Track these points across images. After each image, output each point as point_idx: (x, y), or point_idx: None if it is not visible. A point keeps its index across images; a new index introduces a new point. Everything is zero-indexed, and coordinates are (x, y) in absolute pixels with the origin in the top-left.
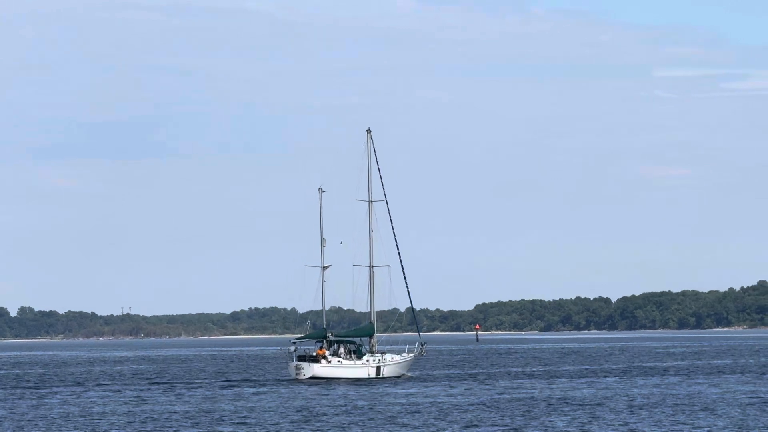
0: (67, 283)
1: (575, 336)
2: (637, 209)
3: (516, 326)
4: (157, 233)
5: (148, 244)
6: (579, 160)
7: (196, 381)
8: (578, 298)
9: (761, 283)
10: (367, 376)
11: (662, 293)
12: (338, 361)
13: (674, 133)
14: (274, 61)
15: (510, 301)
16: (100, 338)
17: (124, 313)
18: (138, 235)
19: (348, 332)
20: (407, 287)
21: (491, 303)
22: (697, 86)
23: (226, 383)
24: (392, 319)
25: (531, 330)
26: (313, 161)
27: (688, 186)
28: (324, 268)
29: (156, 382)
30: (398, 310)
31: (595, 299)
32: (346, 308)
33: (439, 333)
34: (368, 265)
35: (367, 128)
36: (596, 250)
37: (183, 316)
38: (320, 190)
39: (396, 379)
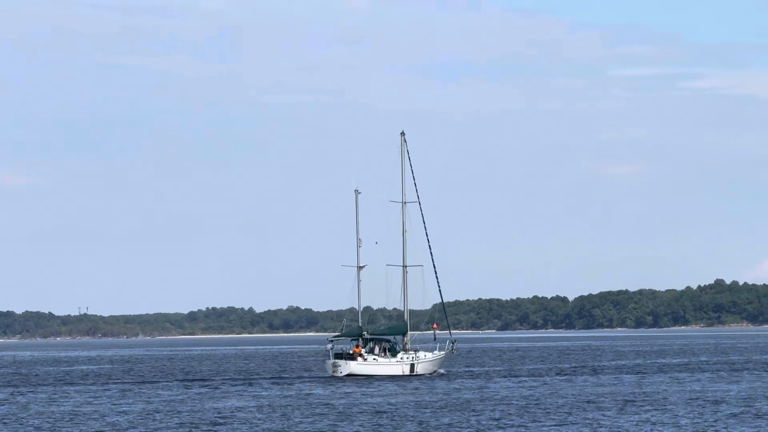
0: (23, 282)
1: (535, 335)
2: (594, 207)
3: (473, 325)
4: (113, 233)
5: (105, 243)
6: (535, 157)
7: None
8: (535, 297)
9: (718, 282)
10: (401, 373)
11: (619, 292)
12: (374, 359)
13: (630, 131)
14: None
15: (467, 300)
16: (58, 338)
17: (82, 313)
18: (95, 234)
19: (382, 330)
20: (439, 286)
21: (448, 302)
22: (653, 85)
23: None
24: (425, 316)
25: (488, 329)
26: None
27: (643, 184)
28: (360, 268)
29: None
30: (433, 306)
31: (552, 298)
32: (376, 308)
33: None
34: (402, 264)
35: (401, 131)
36: (553, 249)
37: (140, 316)
38: (356, 192)
39: (429, 376)
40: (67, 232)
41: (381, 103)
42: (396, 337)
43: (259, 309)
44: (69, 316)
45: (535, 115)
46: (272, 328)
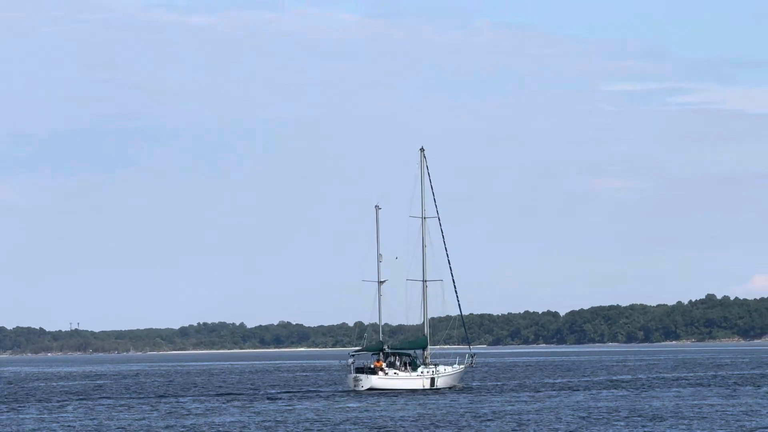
0: (14, 298)
1: (527, 350)
2: (585, 222)
3: (464, 340)
4: (104, 248)
5: (96, 258)
6: (526, 172)
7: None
8: (527, 312)
9: (709, 297)
10: (422, 387)
11: (610, 307)
12: (395, 373)
13: (619, 146)
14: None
15: (447, 315)
16: (49, 354)
17: (73, 328)
18: (86, 249)
19: (403, 345)
20: (458, 301)
21: (439, 317)
22: (642, 100)
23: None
24: (445, 330)
25: (480, 344)
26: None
27: (634, 199)
28: (380, 282)
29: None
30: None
31: (543, 313)
32: (395, 324)
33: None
34: (421, 279)
35: (421, 147)
36: (544, 264)
37: (131, 331)
38: (377, 207)
39: (449, 390)
40: (58, 248)
41: (375, 118)
42: (416, 351)
43: (250, 324)
44: (60, 331)
45: (523, 130)
46: (263, 343)
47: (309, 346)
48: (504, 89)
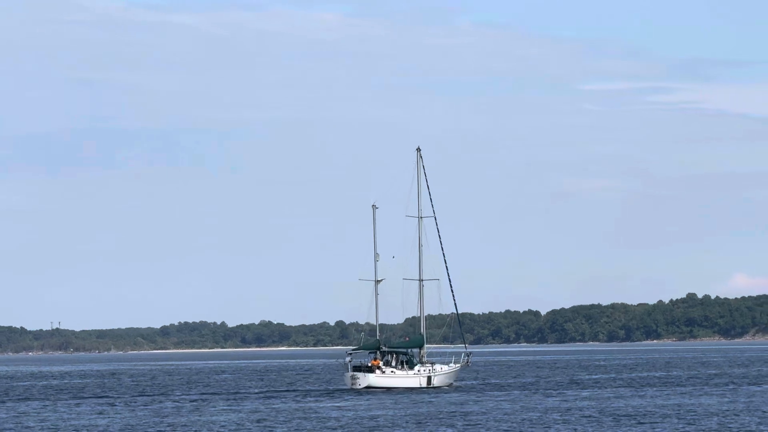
0: None
1: (509, 349)
2: (566, 222)
3: (445, 340)
4: (86, 247)
5: (77, 258)
6: (508, 173)
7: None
8: (508, 311)
9: (690, 296)
10: (418, 385)
11: (591, 306)
12: (392, 371)
13: (601, 145)
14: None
15: (440, 314)
16: (30, 353)
17: (54, 327)
18: (67, 249)
19: (400, 343)
20: (454, 300)
21: (431, 315)
22: (624, 99)
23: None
24: (442, 327)
25: (460, 344)
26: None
27: (615, 199)
28: (377, 281)
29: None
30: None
31: (524, 312)
32: (389, 323)
33: None
34: (418, 278)
35: (417, 147)
36: (525, 263)
37: (112, 330)
38: (374, 207)
39: (446, 388)
40: (39, 247)
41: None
42: (413, 349)
43: (231, 323)
44: (41, 330)
45: (505, 129)
46: (245, 342)
47: (290, 345)
48: (485, 90)
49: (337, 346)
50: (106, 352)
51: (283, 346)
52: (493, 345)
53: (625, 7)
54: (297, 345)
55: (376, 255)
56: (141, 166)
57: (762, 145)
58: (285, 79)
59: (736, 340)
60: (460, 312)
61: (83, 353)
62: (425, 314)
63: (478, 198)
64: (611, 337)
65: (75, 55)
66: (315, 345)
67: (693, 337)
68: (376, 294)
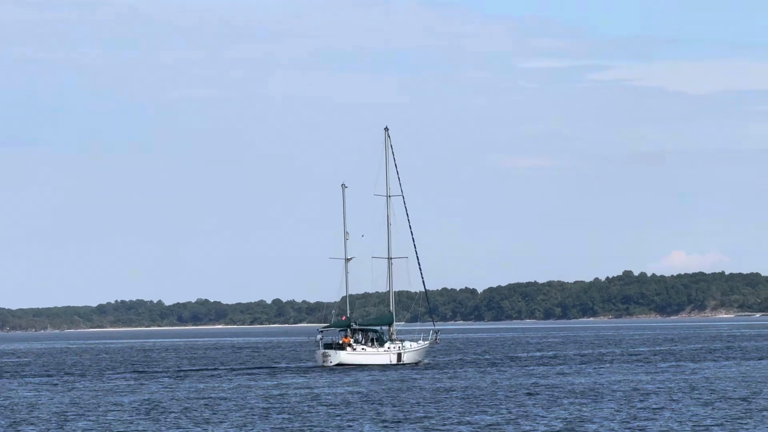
0: None
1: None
2: (502, 200)
3: (414, 318)
4: (21, 225)
5: (13, 236)
6: (443, 150)
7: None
8: (444, 289)
9: (626, 273)
10: (389, 362)
11: (528, 284)
12: (362, 349)
13: (537, 123)
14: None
15: (377, 292)
16: None
17: None
18: (2, 227)
19: (370, 321)
20: (422, 278)
21: (358, 294)
22: (561, 77)
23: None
24: (410, 305)
25: (398, 321)
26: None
27: (551, 177)
28: (347, 260)
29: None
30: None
31: (461, 290)
32: (358, 300)
33: (306, 325)
34: (387, 257)
35: (385, 126)
36: (462, 241)
37: (49, 309)
38: (343, 186)
39: (415, 365)
40: None
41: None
42: (382, 327)
43: (168, 302)
44: None
45: (442, 108)
46: (181, 320)
47: (227, 324)
48: (423, 67)
49: (274, 324)
50: (42, 331)
51: (219, 324)
52: (429, 323)
53: None
54: (234, 323)
55: (346, 234)
56: (80, 143)
57: (699, 123)
58: (215, 59)
59: (672, 317)
60: (396, 291)
61: (20, 332)
62: (394, 291)
63: (409, 176)
64: (548, 315)
65: (10, 33)
66: (252, 323)
67: (629, 314)
68: (347, 272)
